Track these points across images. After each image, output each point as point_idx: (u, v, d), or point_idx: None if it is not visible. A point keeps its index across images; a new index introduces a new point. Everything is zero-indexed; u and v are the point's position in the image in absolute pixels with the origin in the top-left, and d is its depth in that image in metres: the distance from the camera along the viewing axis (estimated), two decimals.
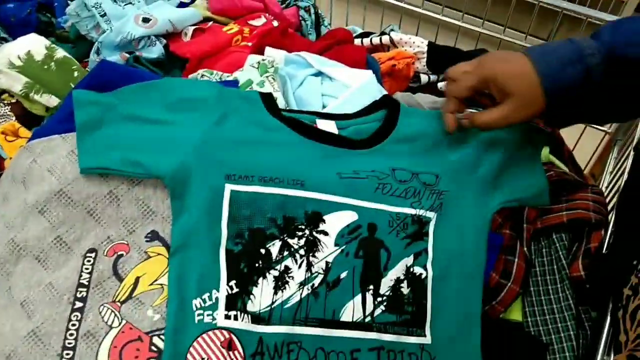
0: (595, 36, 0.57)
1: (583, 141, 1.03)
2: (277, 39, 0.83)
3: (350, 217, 0.59)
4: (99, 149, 0.56)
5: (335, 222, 0.58)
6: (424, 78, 0.88)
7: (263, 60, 0.75)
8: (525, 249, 0.64)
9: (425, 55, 0.88)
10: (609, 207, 0.69)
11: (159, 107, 0.59)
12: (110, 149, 0.56)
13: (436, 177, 0.63)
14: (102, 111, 0.58)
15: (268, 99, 0.64)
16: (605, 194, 0.72)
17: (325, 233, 0.58)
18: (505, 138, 0.66)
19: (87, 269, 0.52)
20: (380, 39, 0.91)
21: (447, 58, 0.89)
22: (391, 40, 0.90)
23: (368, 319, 0.56)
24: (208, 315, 0.50)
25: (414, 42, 0.88)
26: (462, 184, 0.64)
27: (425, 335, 0.58)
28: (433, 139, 0.65)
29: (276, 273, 0.54)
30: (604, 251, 0.62)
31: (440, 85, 0.85)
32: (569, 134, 0.83)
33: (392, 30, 0.97)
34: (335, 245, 0.57)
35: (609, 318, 0.56)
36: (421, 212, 0.61)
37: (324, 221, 0.58)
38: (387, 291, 0.57)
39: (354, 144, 0.63)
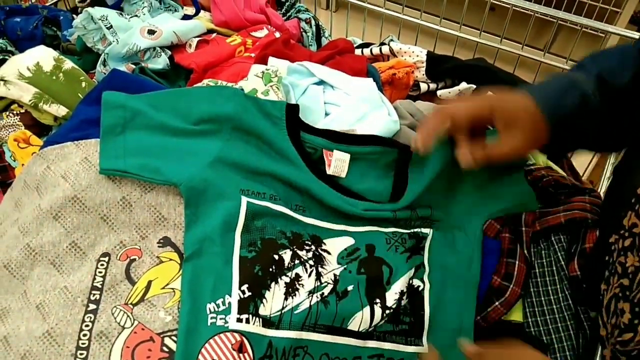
0: (579, 68, 0.60)
1: None
2: (280, 49, 0.85)
3: (347, 241, 0.62)
4: (120, 152, 0.57)
5: (334, 245, 0.61)
6: (423, 86, 0.90)
7: (267, 69, 0.77)
8: (525, 251, 0.66)
9: (424, 64, 0.90)
10: None
11: (183, 118, 0.61)
12: (131, 153, 0.58)
13: (430, 208, 0.65)
14: (128, 116, 0.59)
15: (293, 118, 0.64)
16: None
17: (328, 252, 0.60)
18: None
19: (100, 272, 0.53)
20: (380, 49, 0.94)
21: (445, 67, 0.91)
22: (391, 50, 0.92)
23: (371, 328, 0.57)
24: (221, 318, 0.52)
25: (413, 52, 0.90)
26: (451, 208, 0.66)
27: (422, 345, 0.59)
28: (434, 183, 0.65)
29: (287, 279, 0.56)
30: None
31: (440, 93, 0.87)
32: None
33: (391, 40, 0.99)
34: (338, 263, 0.60)
35: None
36: (417, 229, 0.63)
37: (324, 243, 0.60)
38: (393, 304, 0.59)
39: (361, 199, 0.64)
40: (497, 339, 0.64)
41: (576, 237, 0.66)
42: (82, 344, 0.49)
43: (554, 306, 0.63)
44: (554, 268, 0.65)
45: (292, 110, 0.65)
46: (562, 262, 0.64)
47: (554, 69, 1.13)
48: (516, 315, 0.64)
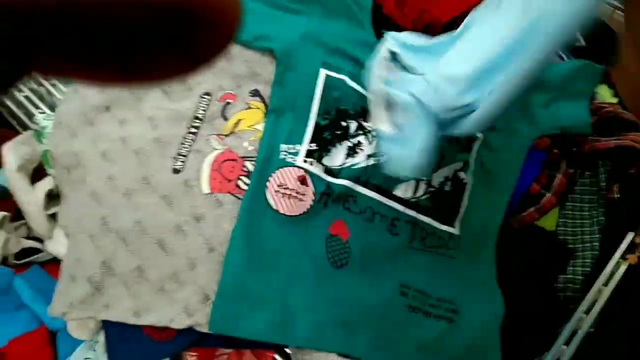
0: None
1: None
2: None
3: None
4: None
5: None
6: None
7: None
8: (570, 170, 0.71)
9: None
10: None
11: None
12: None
13: None
14: None
15: (377, 11, 0.72)
16: None
17: None
18: (560, 74, 0.73)
19: (202, 106, 0.65)
20: None
21: None
22: None
23: (414, 200, 0.66)
24: (290, 157, 0.62)
25: None
26: (509, 117, 0.71)
27: (454, 227, 0.67)
28: None
29: (350, 144, 0.65)
30: None
31: None
32: None
33: None
34: None
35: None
36: None
37: None
38: (436, 185, 0.67)
39: None
40: (527, 241, 0.72)
41: (622, 166, 0.70)
42: (182, 152, 0.61)
43: (585, 221, 0.69)
44: (594, 188, 0.70)
45: (377, 7, 0.72)
46: (602, 184, 0.69)
47: None
48: (548, 223, 0.71)
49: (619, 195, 0.67)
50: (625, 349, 0.57)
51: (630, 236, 0.63)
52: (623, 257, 0.61)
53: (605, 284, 0.60)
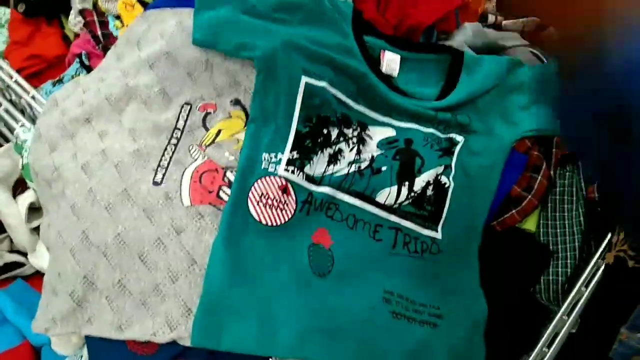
0: None
1: None
2: None
3: (389, 132, 0.69)
4: (212, 25, 0.66)
5: (376, 133, 0.69)
6: (491, 18, 0.94)
7: None
8: (550, 171, 0.72)
9: None
10: None
11: (266, 4, 0.69)
12: (221, 27, 0.67)
13: (469, 117, 0.71)
14: None
15: (358, 18, 0.72)
16: None
17: (370, 137, 0.68)
18: (539, 76, 0.74)
19: (183, 117, 0.65)
20: None
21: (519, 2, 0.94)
22: None
23: (396, 205, 0.66)
24: (271, 166, 0.62)
25: None
26: (489, 120, 0.72)
27: (437, 231, 0.68)
28: (481, 97, 0.72)
29: (331, 151, 0.65)
30: None
31: (504, 23, 0.91)
32: None
33: None
34: (377, 148, 0.68)
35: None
36: (452, 135, 0.70)
37: (368, 129, 0.68)
38: (419, 189, 0.67)
39: (410, 96, 0.71)
40: (509, 242, 0.72)
41: None
42: (162, 164, 0.61)
43: (566, 222, 0.70)
44: (574, 189, 0.71)
45: (358, 13, 0.72)
46: (582, 184, 0.70)
47: None
48: (530, 225, 0.72)
49: (597, 195, 0.68)
50: (607, 350, 0.57)
51: (609, 236, 0.63)
52: (602, 257, 0.62)
53: (586, 285, 0.60)
